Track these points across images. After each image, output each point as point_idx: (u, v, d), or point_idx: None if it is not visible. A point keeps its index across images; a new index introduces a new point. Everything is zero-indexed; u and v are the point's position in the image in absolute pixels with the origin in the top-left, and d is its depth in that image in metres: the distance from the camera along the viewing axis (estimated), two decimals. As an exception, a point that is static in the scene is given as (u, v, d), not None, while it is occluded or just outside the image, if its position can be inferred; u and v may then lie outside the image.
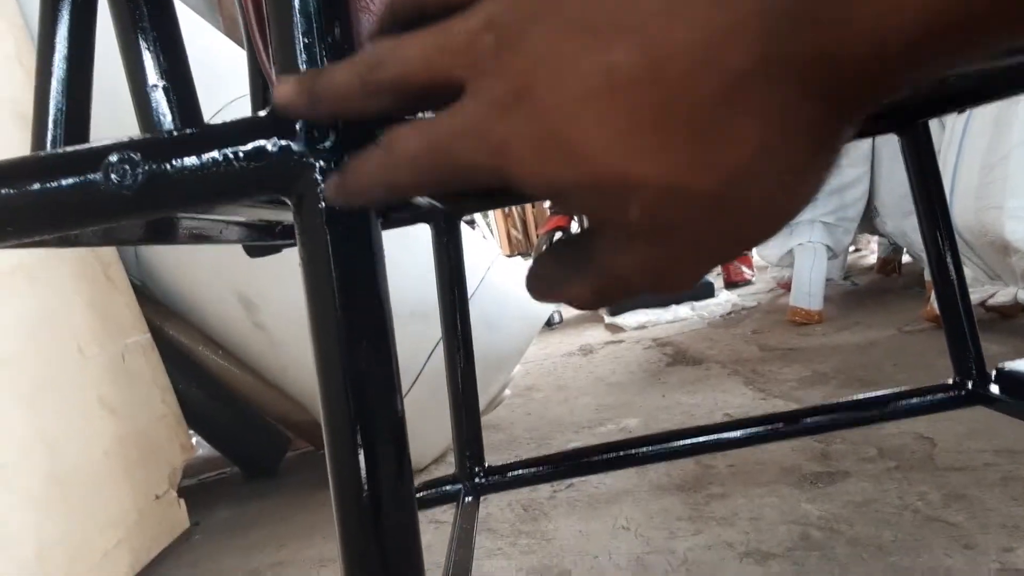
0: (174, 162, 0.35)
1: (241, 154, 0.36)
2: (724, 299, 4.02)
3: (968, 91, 0.85)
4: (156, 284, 2.18)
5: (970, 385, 0.99)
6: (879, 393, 1.03)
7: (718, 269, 4.73)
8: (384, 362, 0.39)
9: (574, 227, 7.20)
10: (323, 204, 0.36)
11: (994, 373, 0.96)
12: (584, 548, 1.45)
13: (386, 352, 0.38)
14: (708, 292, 4.12)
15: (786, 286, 3.32)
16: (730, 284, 4.51)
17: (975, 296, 2.21)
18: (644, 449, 1.08)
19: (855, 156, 3.12)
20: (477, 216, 7.62)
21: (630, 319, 3.90)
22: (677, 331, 3.54)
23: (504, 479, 1.01)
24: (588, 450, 1.06)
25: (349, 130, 0.35)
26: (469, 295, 2.03)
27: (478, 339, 2.05)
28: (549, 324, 4.33)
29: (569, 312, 4.74)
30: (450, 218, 0.97)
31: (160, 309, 2.23)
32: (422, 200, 0.87)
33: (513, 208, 8.54)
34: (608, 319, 4.07)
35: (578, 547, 1.46)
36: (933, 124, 2.70)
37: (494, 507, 1.73)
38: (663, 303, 4.05)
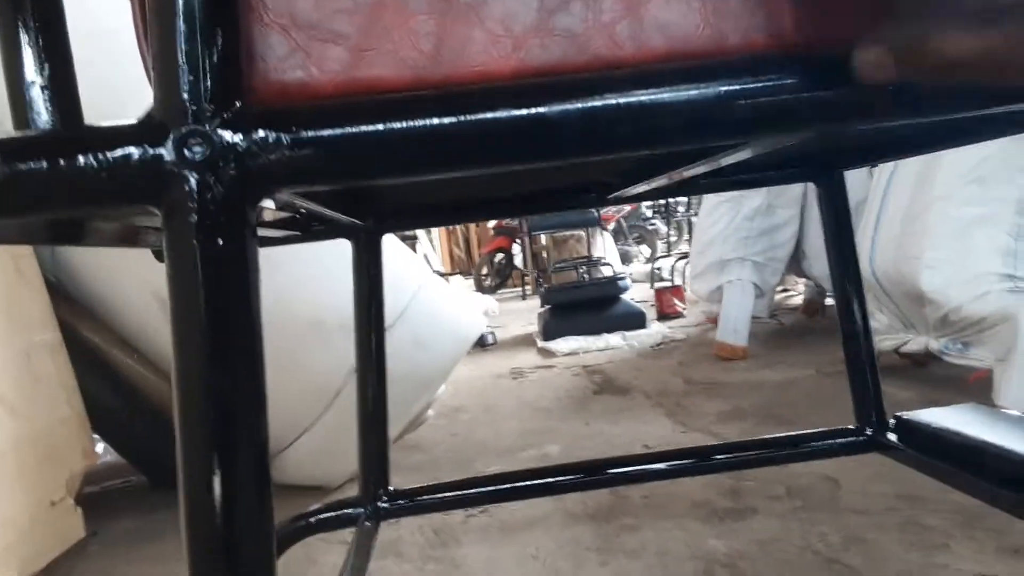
0: (31, 164, 0.33)
1: (106, 160, 0.34)
2: (655, 330, 4.07)
3: (881, 146, 0.88)
4: (72, 282, 2.09)
5: (869, 432, 1.02)
6: (786, 434, 1.05)
7: (652, 300, 4.80)
8: (251, 390, 0.37)
9: (515, 249, 7.24)
10: (194, 218, 0.34)
11: (892, 422, 0.99)
12: (492, 576, 1.43)
13: (254, 377, 0.37)
14: (640, 323, 4.17)
15: (715, 320, 3.38)
16: (662, 316, 4.58)
17: (890, 343, 2.29)
18: (557, 479, 1.08)
19: (787, 199, 3.22)
20: (420, 233, 7.59)
21: (563, 345, 3.91)
22: (607, 359, 3.57)
23: (409, 504, 0.99)
24: (498, 477, 1.05)
25: (223, 145, 0.34)
26: (400, 312, 2.02)
27: (405, 358, 2.03)
28: (483, 345, 4.32)
29: (504, 334, 4.74)
30: (371, 235, 0.95)
31: (75, 308, 2.13)
32: (342, 218, 0.85)
33: (457, 227, 8.54)
34: (541, 343, 4.08)
35: (486, 575, 1.44)
36: (862, 175, 2.81)
37: (405, 530, 1.70)
38: (596, 331, 4.09)
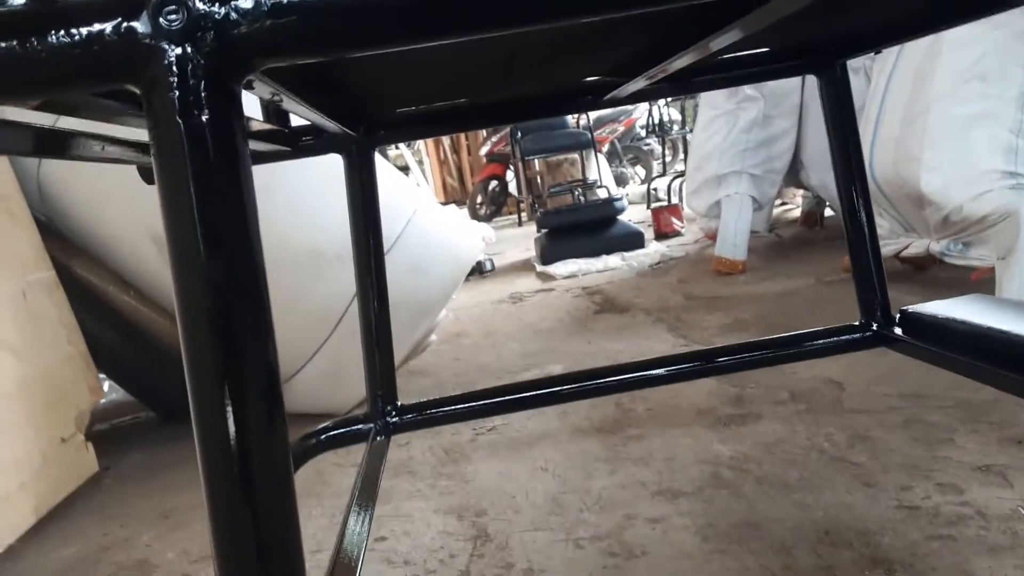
0: (1, 44, 0.31)
1: (80, 35, 0.32)
2: (654, 250, 4.06)
3: (883, 30, 0.85)
4: (63, 220, 2.06)
5: (875, 327, 1.01)
6: (789, 334, 1.05)
7: (650, 220, 4.77)
8: (252, 286, 0.35)
9: (508, 176, 7.16)
10: (175, 93, 0.32)
11: (898, 316, 0.99)
12: (502, 489, 1.45)
13: (251, 265, 0.35)
14: (639, 243, 4.16)
15: (713, 237, 3.37)
16: (660, 235, 4.56)
17: (891, 248, 2.28)
18: (561, 388, 1.08)
19: (784, 109, 3.17)
20: (412, 163, 7.49)
21: (561, 268, 3.91)
22: (607, 280, 3.56)
23: (417, 418, 0.99)
24: (505, 388, 1.06)
25: (200, 13, 0.32)
26: (396, 237, 2.00)
27: (404, 283, 2.02)
28: (481, 272, 4.31)
29: (502, 261, 4.73)
30: (363, 148, 0.93)
31: (67, 246, 2.11)
32: (331, 125, 0.83)
33: (448, 156, 8.44)
34: (540, 268, 4.07)
35: (497, 488, 1.46)
36: (859, 82, 2.74)
37: (416, 451, 1.72)
38: (595, 253, 4.08)
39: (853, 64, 3.02)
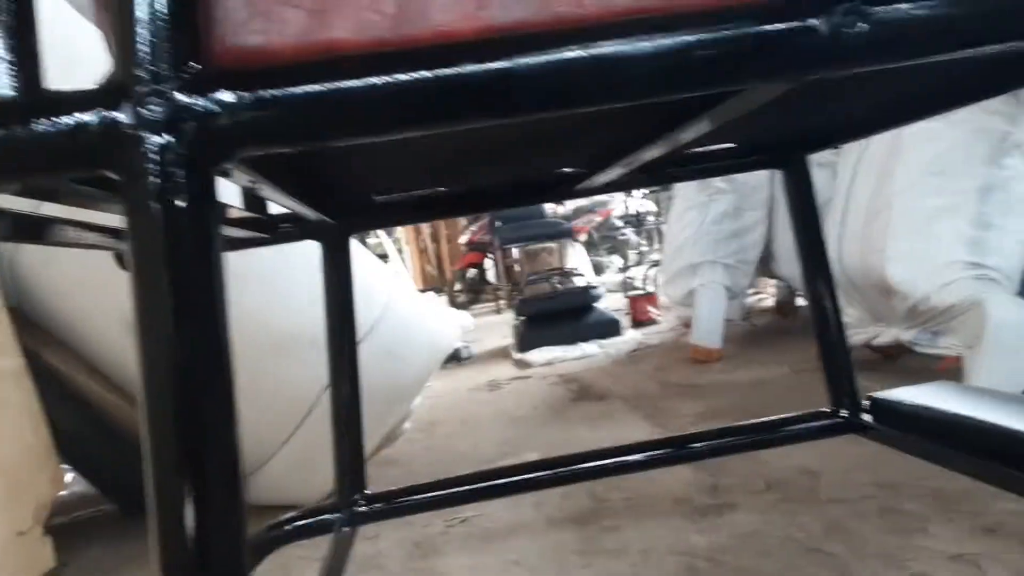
0: (-15, 128, 0.33)
1: (65, 125, 0.33)
2: (630, 337, 4.09)
3: (841, 127, 0.89)
4: (34, 307, 2.05)
5: (844, 414, 1.02)
6: (761, 420, 1.06)
7: (626, 308, 4.82)
8: (219, 374, 0.36)
9: (487, 264, 7.24)
10: (154, 180, 0.33)
11: (866, 403, 1.00)
12: (475, 583, 1.41)
13: (221, 357, 0.36)
14: (615, 330, 4.18)
15: (688, 325, 3.40)
16: (637, 323, 4.60)
17: (861, 337, 2.32)
18: (534, 475, 1.07)
19: (754, 202, 3.27)
20: (392, 251, 7.56)
21: (538, 356, 3.91)
22: (583, 368, 3.57)
23: (386, 507, 0.98)
24: (477, 476, 1.04)
25: (181, 105, 0.33)
26: (372, 323, 2.00)
27: (379, 369, 2.01)
28: (458, 359, 4.29)
29: (480, 348, 4.73)
30: (340, 234, 0.95)
31: (37, 333, 2.08)
32: (308, 212, 0.84)
33: (428, 243, 8.53)
34: (517, 355, 4.07)
35: (469, 582, 1.42)
36: (827, 175, 2.86)
37: (384, 544, 1.68)
38: (572, 340, 4.09)
39: (820, 159, 3.15)
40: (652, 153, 0.69)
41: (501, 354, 4.41)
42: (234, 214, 0.83)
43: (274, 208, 0.92)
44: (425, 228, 8.42)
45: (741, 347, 3.37)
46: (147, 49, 0.34)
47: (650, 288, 5.13)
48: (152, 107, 0.33)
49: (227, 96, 0.34)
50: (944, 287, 1.93)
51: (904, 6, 0.35)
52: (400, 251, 7.96)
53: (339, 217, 0.92)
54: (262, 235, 0.90)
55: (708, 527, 1.49)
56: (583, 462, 1.03)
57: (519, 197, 0.97)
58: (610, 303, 5.19)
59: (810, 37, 0.35)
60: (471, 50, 0.36)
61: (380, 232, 7.59)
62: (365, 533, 1.77)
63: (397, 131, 0.37)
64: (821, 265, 1.01)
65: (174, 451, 0.35)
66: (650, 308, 4.63)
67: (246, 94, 0.34)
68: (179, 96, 0.34)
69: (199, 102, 0.34)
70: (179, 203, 0.34)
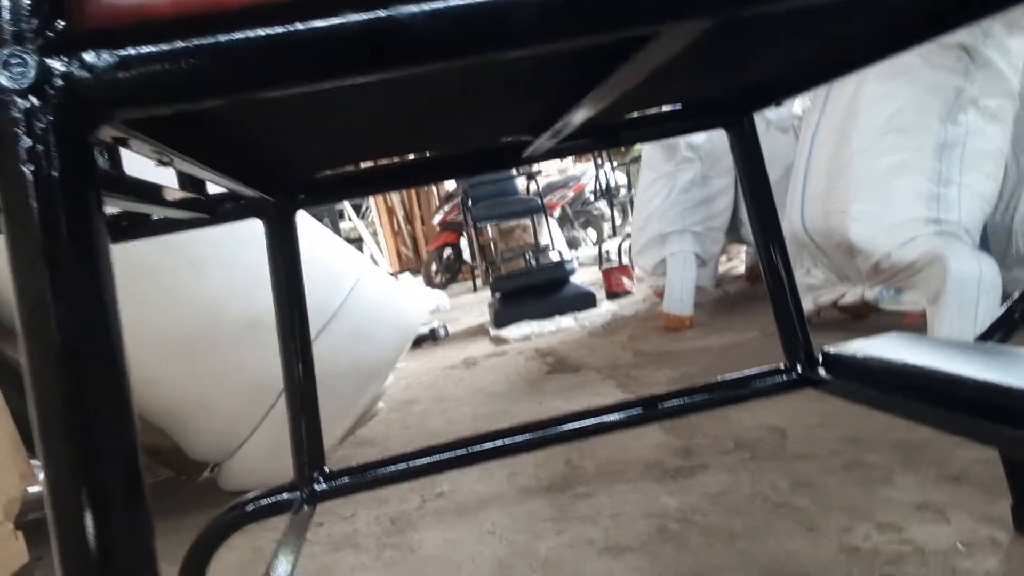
0: None
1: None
2: (605, 309, 4.10)
3: (784, 82, 0.89)
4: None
5: (799, 369, 1.03)
6: (717, 380, 1.06)
7: (601, 281, 4.82)
8: (111, 371, 0.35)
9: (462, 243, 7.21)
10: (24, 146, 0.32)
11: (820, 357, 1.01)
12: (449, 556, 1.42)
13: (106, 323, 0.35)
14: (590, 303, 4.19)
15: (661, 294, 3.41)
16: (611, 295, 4.61)
17: (827, 297, 2.34)
18: (503, 442, 1.07)
19: (720, 169, 3.27)
20: (366, 234, 7.51)
21: (514, 331, 3.91)
22: (559, 341, 3.57)
23: (347, 483, 0.97)
24: (444, 446, 1.04)
25: (47, 67, 0.32)
26: (338, 305, 1.98)
27: (347, 351, 2.00)
28: (435, 339, 4.29)
29: (456, 327, 4.72)
30: (282, 212, 0.93)
31: (0, 328, 2.05)
32: (244, 190, 0.83)
33: (403, 226, 8.49)
34: (493, 332, 4.07)
35: (443, 556, 1.43)
36: (789, 141, 2.86)
37: (361, 522, 1.68)
38: (547, 314, 4.10)
39: (782, 124, 3.16)
40: (587, 112, 0.68)
41: (478, 332, 4.40)
42: (173, 195, 0.81)
43: (216, 188, 0.90)
44: (399, 210, 8.37)
45: (712, 314, 3.39)
46: (9, 7, 0.32)
47: (624, 260, 5.14)
48: (15, 69, 0.32)
49: (97, 55, 0.33)
50: (905, 244, 1.95)
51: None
52: (375, 234, 7.92)
53: (279, 194, 0.91)
54: (202, 215, 0.88)
55: (679, 488, 1.50)
56: (552, 427, 1.03)
57: (464, 168, 0.96)
58: (585, 277, 5.20)
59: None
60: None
61: (353, 216, 7.54)
62: (341, 512, 1.77)
63: (281, 85, 0.36)
64: (771, 222, 1.01)
65: (64, 448, 0.33)
66: (624, 280, 4.64)
67: (117, 52, 0.33)
68: (45, 56, 0.32)
69: (66, 62, 0.33)
70: (52, 172, 0.33)
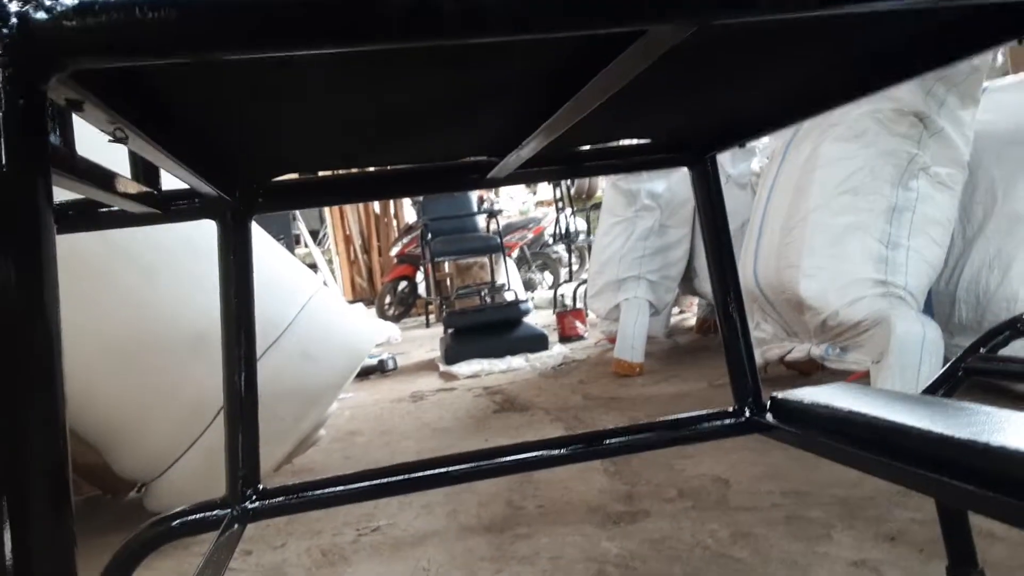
0: None
1: None
2: (557, 352, 4.10)
3: (748, 124, 0.90)
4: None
5: (747, 413, 1.03)
6: (669, 418, 1.05)
7: (555, 324, 4.83)
8: (45, 375, 0.32)
9: (418, 277, 7.17)
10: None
11: (769, 403, 1.01)
12: (380, 590, 1.37)
13: (49, 354, 0.32)
14: (542, 344, 4.19)
15: (613, 339, 3.43)
16: (564, 338, 4.61)
17: (775, 352, 2.37)
18: (444, 470, 1.04)
19: (678, 219, 3.32)
20: (320, 261, 7.42)
21: (464, 368, 3.87)
22: (509, 380, 3.55)
23: (281, 503, 0.93)
24: (382, 471, 1.01)
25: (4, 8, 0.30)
26: (288, 322, 1.93)
27: (294, 370, 1.95)
28: (383, 370, 4.22)
29: (406, 360, 4.66)
30: (238, 215, 0.90)
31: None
32: (202, 185, 0.80)
33: (359, 255, 8.41)
34: (443, 367, 4.03)
35: (374, 590, 1.38)
36: (747, 197, 2.93)
37: (291, 552, 1.61)
38: (499, 353, 4.07)
39: (741, 180, 3.24)
40: (550, 134, 0.68)
41: (427, 366, 4.35)
42: (126, 187, 0.78)
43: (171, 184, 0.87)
44: (356, 239, 8.31)
45: (663, 362, 3.41)
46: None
47: (579, 305, 5.17)
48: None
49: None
50: (853, 303, 1.99)
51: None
52: (330, 261, 7.83)
53: (237, 194, 0.88)
54: (153, 211, 0.85)
55: (620, 533, 1.48)
56: (495, 457, 1.01)
57: (427, 184, 0.95)
58: (539, 319, 5.20)
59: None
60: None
61: (309, 242, 7.46)
62: (271, 541, 1.71)
63: (249, 47, 0.34)
64: (728, 264, 1.01)
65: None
66: (577, 324, 4.66)
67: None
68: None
69: (22, 3, 0.31)
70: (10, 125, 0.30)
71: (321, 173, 0.95)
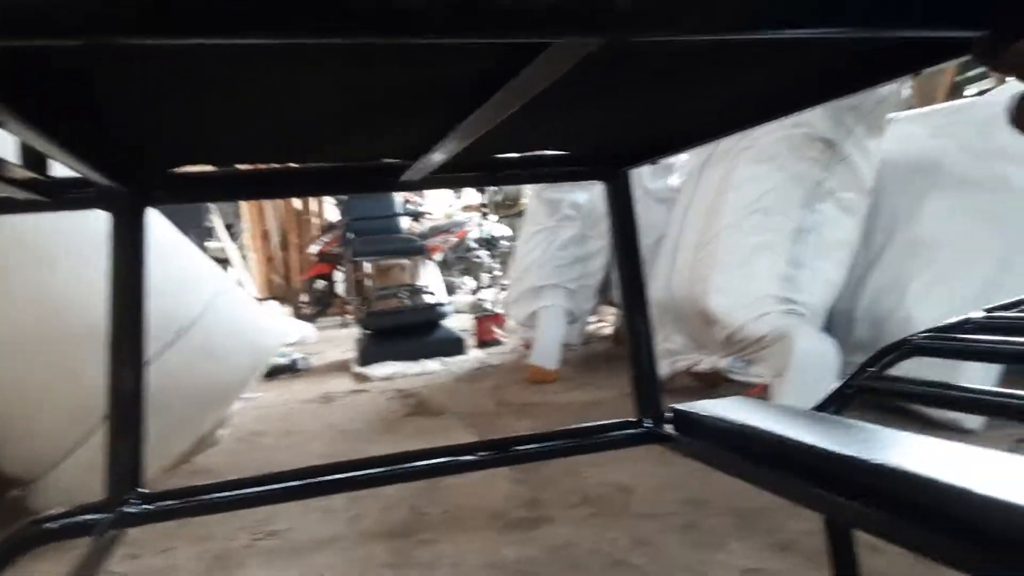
0: None
1: None
2: (474, 356, 4.09)
3: (665, 139, 0.92)
4: None
5: (648, 424, 1.04)
6: (570, 428, 1.06)
7: (473, 329, 4.82)
8: None
9: (338, 276, 7.05)
10: None
11: (669, 414, 1.02)
12: (274, 598, 1.33)
13: None
14: (459, 349, 4.17)
15: (530, 346, 3.45)
16: (482, 343, 4.61)
17: (684, 363, 2.43)
18: (344, 475, 1.01)
19: (598, 231, 3.37)
20: (234, 256, 7.19)
21: (379, 370, 3.82)
22: (423, 384, 3.52)
23: (165, 507, 0.88)
24: (281, 475, 0.97)
25: None
26: (192, 320, 1.86)
27: (195, 369, 1.87)
28: (295, 370, 4.12)
29: (320, 360, 4.56)
30: (135, 205, 0.86)
31: None
32: (97, 177, 0.76)
33: (276, 251, 8.20)
34: (357, 369, 3.96)
35: (268, 597, 1.34)
36: (665, 212, 2.99)
37: (181, 557, 1.55)
38: (415, 356, 4.03)
39: (660, 195, 3.31)
40: (463, 140, 0.67)
41: (342, 367, 4.27)
42: (12, 172, 0.73)
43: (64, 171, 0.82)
44: (274, 235, 8.09)
45: (577, 370, 3.45)
46: None
47: (499, 310, 5.17)
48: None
49: None
50: (758, 319, 2.05)
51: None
52: (245, 257, 7.61)
53: (134, 185, 0.84)
54: (41, 198, 0.80)
55: (521, 540, 1.48)
56: (399, 463, 0.98)
57: (340, 184, 0.92)
58: (458, 323, 5.18)
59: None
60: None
61: (223, 236, 7.22)
62: (159, 545, 1.63)
63: (129, 34, 0.32)
64: (636, 278, 1.03)
65: None
66: (496, 329, 4.66)
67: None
68: None
69: None
70: None
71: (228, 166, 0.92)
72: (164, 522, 0.92)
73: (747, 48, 0.60)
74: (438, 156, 0.77)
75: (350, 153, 0.91)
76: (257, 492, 0.96)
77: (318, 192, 0.99)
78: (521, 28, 0.36)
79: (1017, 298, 1.08)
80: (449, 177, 0.96)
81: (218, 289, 1.92)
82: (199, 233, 6.14)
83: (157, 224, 1.82)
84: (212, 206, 7.03)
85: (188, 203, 1.03)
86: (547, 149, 1.00)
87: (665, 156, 0.97)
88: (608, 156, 0.99)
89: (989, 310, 1.05)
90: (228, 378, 1.89)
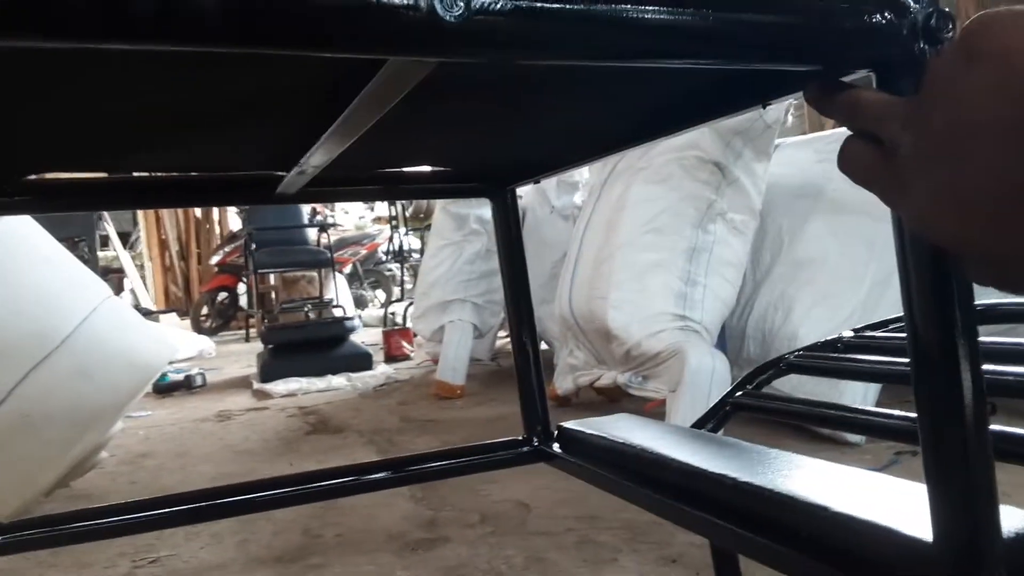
0: None
1: None
2: (380, 371, 4.02)
3: (546, 161, 0.92)
4: None
5: (535, 442, 1.04)
6: (461, 446, 1.05)
7: (381, 343, 4.75)
8: None
9: (240, 288, 6.82)
10: None
11: (556, 432, 1.03)
12: (148, 631, 1.26)
13: None
14: (366, 364, 4.09)
15: (437, 360, 3.42)
16: (390, 358, 4.55)
17: (585, 378, 2.46)
18: (228, 499, 0.96)
19: (504, 245, 3.38)
20: (129, 265, 6.87)
21: (280, 386, 3.71)
22: (326, 400, 3.44)
23: (26, 538, 0.82)
24: (160, 500, 0.92)
25: None
26: (63, 337, 1.75)
27: (67, 389, 1.76)
28: (190, 387, 3.95)
29: (218, 376, 4.39)
30: (-22, 217, 0.80)
31: None
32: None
33: (175, 262, 7.88)
34: (257, 385, 3.83)
35: (141, 631, 1.26)
36: (569, 228, 3.03)
37: (50, 588, 1.45)
38: (320, 372, 3.93)
39: (564, 211, 3.35)
40: (329, 152, 0.66)
41: (241, 384, 4.13)
42: None
43: None
44: (173, 244, 7.78)
45: (484, 385, 3.44)
46: None
47: (408, 324, 5.12)
48: None
49: None
50: (654, 335, 2.10)
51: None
52: (141, 267, 7.27)
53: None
54: None
55: (416, 561, 1.46)
56: (294, 485, 0.95)
57: (211, 195, 0.88)
58: (367, 337, 5.09)
59: (411, 15, 0.33)
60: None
61: (118, 245, 6.88)
62: (30, 574, 1.52)
63: None
64: (523, 296, 1.03)
65: None
66: (404, 343, 4.61)
67: None
68: None
69: None
70: None
71: (88, 175, 0.86)
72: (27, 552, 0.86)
73: (614, 73, 0.61)
74: (310, 168, 0.75)
75: (219, 162, 0.87)
76: (138, 518, 0.91)
77: (185, 202, 0.95)
78: (338, 45, 0.35)
79: (886, 318, 1.14)
80: (330, 191, 0.94)
81: (96, 304, 1.82)
82: (89, 243, 5.81)
83: (28, 234, 1.71)
84: (106, 214, 6.69)
85: (42, 213, 0.97)
86: (434, 165, 0.99)
87: (547, 175, 0.97)
88: (493, 174, 0.99)
89: (858, 330, 1.09)
90: (106, 397, 1.79)
